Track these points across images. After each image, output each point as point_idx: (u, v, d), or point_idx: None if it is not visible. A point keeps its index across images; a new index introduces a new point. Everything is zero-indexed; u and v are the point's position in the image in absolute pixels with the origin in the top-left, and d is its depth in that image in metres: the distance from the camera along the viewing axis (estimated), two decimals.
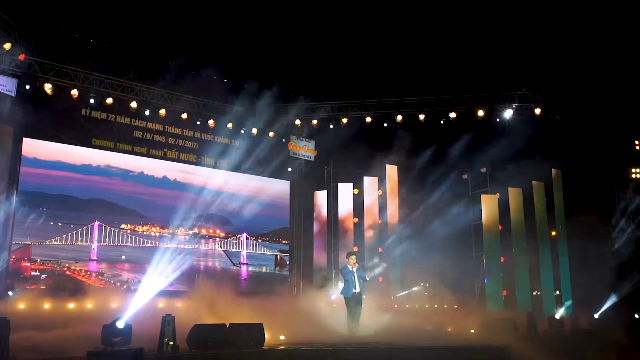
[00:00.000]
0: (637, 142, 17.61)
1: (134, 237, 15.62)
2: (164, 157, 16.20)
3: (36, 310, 11.66)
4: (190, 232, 16.71)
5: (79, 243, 14.61)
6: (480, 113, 16.84)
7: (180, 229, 16.50)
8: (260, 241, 18.01)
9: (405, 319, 12.11)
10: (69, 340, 7.76)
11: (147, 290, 8.59)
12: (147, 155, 15.90)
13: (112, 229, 15.21)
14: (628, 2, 15.19)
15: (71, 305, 12.43)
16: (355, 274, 10.47)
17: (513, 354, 8.65)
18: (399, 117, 17.29)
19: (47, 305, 12.12)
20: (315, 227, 17.98)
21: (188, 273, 15.42)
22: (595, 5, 15.17)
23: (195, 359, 7.48)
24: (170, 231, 16.28)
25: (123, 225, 15.49)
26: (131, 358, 6.58)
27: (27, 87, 13.77)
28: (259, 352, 7.90)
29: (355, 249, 16.64)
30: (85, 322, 8.76)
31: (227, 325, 8.05)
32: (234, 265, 17.46)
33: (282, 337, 8.64)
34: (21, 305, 11.80)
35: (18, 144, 13.68)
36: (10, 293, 12.61)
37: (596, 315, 14.05)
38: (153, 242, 15.93)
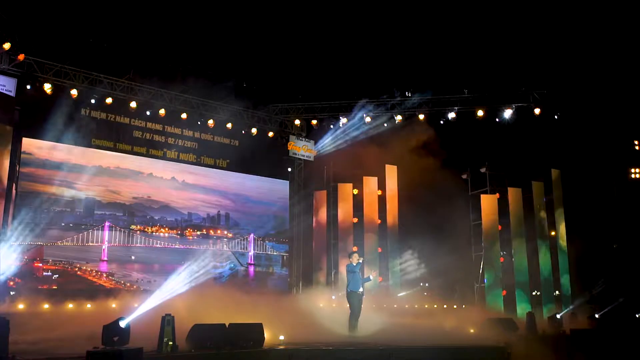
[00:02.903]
0: (636, 142, 17.63)
1: (143, 237, 15.61)
2: (164, 157, 16.18)
3: (36, 310, 11.64)
4: (199, 232, 16.71)
5: (90, 244, 14.65)
6: (480, 113, 16.84)
7: (189, 229, 16.51)
8: (267, 242, 18.04)
9: (405, 319, 12.12)
10: (69, 340, 7.77)
11: (161, 294, 8.55)
12: (147, 155, 15.89)
13: (122, 229, 15.25)
14: (626, 4, 15.20)
15: (70, 305, 12.42)
16: (360, 273, 10.47)
17: (513, 354, 8.64)
18: (399, 117, 17.32)
19: (46, 305, 12.10)
20: (315, 227, 17.99)
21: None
22: (594, 7, 15.18)
23: (195, 359, 7.47)
24: (179, 232, 16.29)
25: (133, 226, 15.50)
26: (131, 358, 6.57)
27: (28, 87, 13.78)
28: (259, 352, 7.89)
29: (355, 248, 16.65)
30: (90, 321, 8.74)
31: (227, 325, 8.04)
32: (242, 265, 17.44)
33: (282, 337, 8.63)
34: (21, 305, 11.79)
35: (18, 144, 13.66)
36: (11, 293, 12.61)
37: (597, 315, 14.04)
38: (162, 242, 15.92)
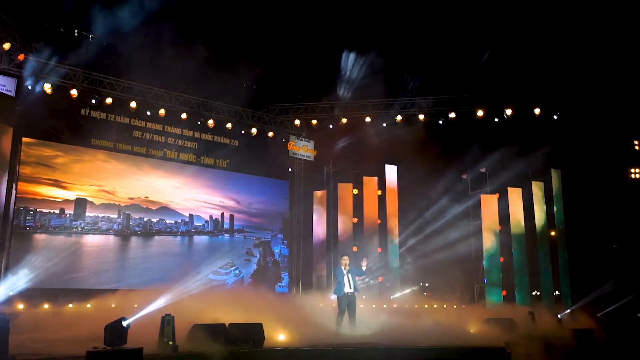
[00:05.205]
0: (636, 142, 17.63)
1: (140, 241, 15.39)
2: (164, 157, 16.13)
3: (36, 310, 11.63)
4: (201, 236, 16.56)
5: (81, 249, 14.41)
6: (480, 113, 16.86)
7: (190, 233, 16.37)
8: (274, 246, 18.07)
9: (405, 319, 12.11)
10: (69, 340, 7.76)
11: (160, 302, 8.50)
12: (147, 155, 15.82)
13: (117, 233, 15.01)
14: (626, 3, 15.19)
15: (70, 305, 12.41)
16: (348, 275, 10.44)
17: (512, 354, 8.63)
18: (399, 117, 17.33)
19: (46, 305, 12.10)
20: (315, 227, 17.98)
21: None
22: (594, 6, 15.17)
23: (195, 359, 7.47)
24: (180, 235, 16.14)
25: (128, 230, 15.23)
26: (131, 358, 6.56)
27: (28, 87, 13.77)
28: (259, 352, 7.89)
29: (355, 249, 16.66)
30: (90, 322, 8.73)
31: (227, 325, 8.04)
32: (248, 274, 17.28)
33: (282, 337, 8.63)
34: (21, 305, 11.78)
35: (18, 144, 13.65)
36: (11, 293, 12.57)
37: (598, 315, 14.02)
38: (161, 247, 15.67)
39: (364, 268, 10.81)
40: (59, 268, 13.21)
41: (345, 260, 10.56)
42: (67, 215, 14.18)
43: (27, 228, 13.57)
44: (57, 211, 14.06)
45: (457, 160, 17.18)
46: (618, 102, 16.26)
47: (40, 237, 13.72)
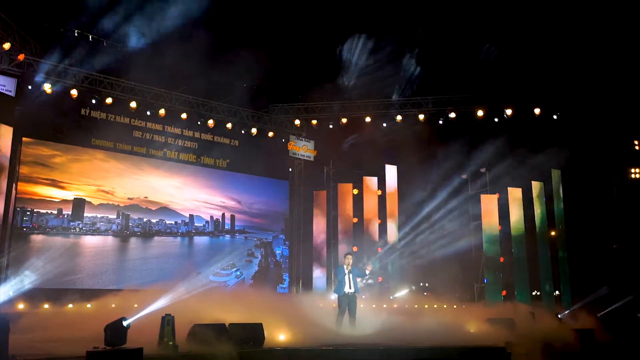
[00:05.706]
0: (636, 142, 17.64)
1: (139, 242, 15.30)
2: (164, 157, 16.11)
3: (36, 310, 11.63)
4: (202, 237, 16.53)
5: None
6: (480, 113, 16.87)
7: (190, 233, 16.33)
8: (276, 247, 18.06)
9: (405, 319, 12.11)
10: (69, 340, 7.77)
11: (160, 303, 8.48)
12: (147, 155, 15.80)
13: (116, 234, 14.90)
14: (625, 4, 15.19)
15: (71, 306, 12.41)
16: (349, 275, 10.44)
17: (512, 354, 8.63)
18: (399, 117, 17.34)
19: (47, 306, 12.10)
20: (315, 227, 17.98)
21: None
22: (594, 6, 15.17)
23: (195, 359, 7.47)
24: (180, 236, 16.10)
25: (127, 231, 15.16)
26: (130, 358, 6.56)
27: (28, 87, 13.77)
28: (259, 352, 7.89)
29: (355, 249, 16.65)
30: (91, 322, 8.73)
31: (227, 325, 8.04)
32: (249, 276, 17.22)
33: (282, 337, 8.63)
34: (21, 305, 11.78)
35: (18, 144, 13.64)
36: (10, 293, 12.57)
37: (598, 315, 14.01)
38: (161, 248, 15.59)
39: (367, 272, 10.89)
40: (57, 270, 13.02)
41: (349, 259, 10.56)
42: (65, 216, 14.07)
43: (25, 229, 13.45)
44: (55, 211, 13.94)
45: (457, 160, 17.18)
46: (618, 103, 16.27)
47: (37, 237, 13.56)
